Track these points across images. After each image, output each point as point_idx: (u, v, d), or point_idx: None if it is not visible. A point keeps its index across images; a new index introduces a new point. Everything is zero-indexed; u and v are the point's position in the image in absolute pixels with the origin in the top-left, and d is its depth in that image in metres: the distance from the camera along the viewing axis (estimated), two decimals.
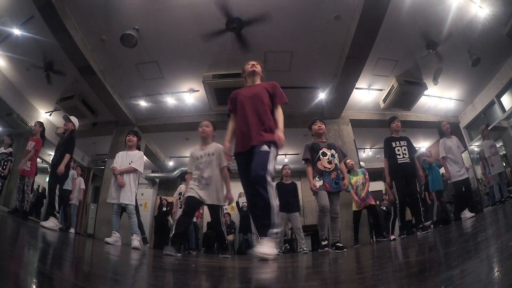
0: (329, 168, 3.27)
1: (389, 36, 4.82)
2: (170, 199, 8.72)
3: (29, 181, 4.66)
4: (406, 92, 5.95)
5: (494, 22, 4.61)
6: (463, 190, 4.46)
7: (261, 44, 4.95)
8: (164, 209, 7.64)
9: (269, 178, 1.99)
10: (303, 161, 3.45)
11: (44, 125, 5.00)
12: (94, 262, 1.48)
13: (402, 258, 1.72)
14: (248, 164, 2.09)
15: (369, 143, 8.80)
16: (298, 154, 8.89)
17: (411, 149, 4.07)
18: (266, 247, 1.82)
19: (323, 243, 3.32)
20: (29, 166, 4.63)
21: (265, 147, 2.07)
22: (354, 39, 4.51)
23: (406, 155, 3.97)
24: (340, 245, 3.32)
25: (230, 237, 7.86)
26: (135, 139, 3.86)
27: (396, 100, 6.10)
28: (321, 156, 3.31)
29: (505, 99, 6.19)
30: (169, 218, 7.88)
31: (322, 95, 6.12)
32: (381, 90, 6.30)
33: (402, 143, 4.06)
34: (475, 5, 4.49)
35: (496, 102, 6.32)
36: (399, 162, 3.96)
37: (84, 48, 4.90)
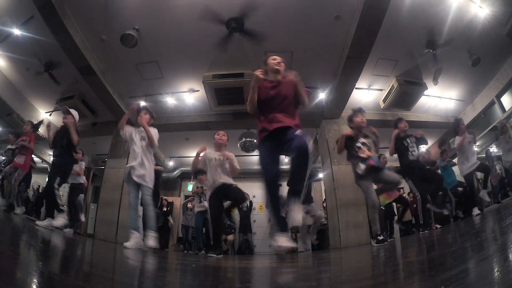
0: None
1: (389, 36, 4.81)
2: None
3: (21, 174, 4.58)
4: (406, 92, 5.94)
5: (494, 22, 4.61)
6: (478, 177, 4.71)
7: (261, 44, 4.94)
8: (164, 209, 7.63)
9: None
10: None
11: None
12: (95, 262, 1.48)
13: (402, 258, 1.72)
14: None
15: None
16: None
17: (418, 144, 4.31)
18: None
19: (380, 237, 3.34)
20: (23, 161, 4.59)
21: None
22: (354, 39, 4.51)
23: (415, 152, 4.18)
24: (381, 238, 3.36)
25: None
26: (147, 116, 3.35)
27: (396, 100, 6.09)
28: (361, 146, 3.54)
29: (505, 99, 6.18)
30: (169, 218, 7.88)
31: (322, 95, 6.12)
32: (381, 90, 6.30)
33: (412, 139, 4.27)
34: (475, 5, 4.49)
35: (496, 102, 6.31)
36: (410, 158, 4.12)
37: (84, 48, 4.89)
